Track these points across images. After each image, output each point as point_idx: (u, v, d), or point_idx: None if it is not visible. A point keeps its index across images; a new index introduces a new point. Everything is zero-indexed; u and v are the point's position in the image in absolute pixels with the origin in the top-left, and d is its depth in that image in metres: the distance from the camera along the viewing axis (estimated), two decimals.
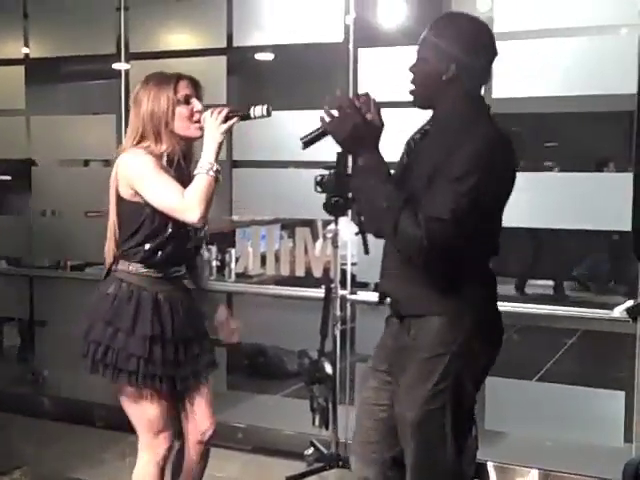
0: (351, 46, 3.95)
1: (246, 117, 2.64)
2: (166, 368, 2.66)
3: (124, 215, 2.67)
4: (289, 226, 4.47)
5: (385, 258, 2.41)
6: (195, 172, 2.58)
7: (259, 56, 4.75)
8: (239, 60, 4.49)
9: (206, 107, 2.67)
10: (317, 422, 3.68)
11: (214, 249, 4.93)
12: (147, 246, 2.65)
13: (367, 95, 2.33)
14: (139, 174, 2.60)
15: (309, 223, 4.44)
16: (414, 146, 2.38)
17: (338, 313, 3.78)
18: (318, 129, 2.36)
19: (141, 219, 2.63)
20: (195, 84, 2.71)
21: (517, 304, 3.98)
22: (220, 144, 2.60)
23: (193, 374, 2.79)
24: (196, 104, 2.67)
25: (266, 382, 5.20)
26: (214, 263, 4.89)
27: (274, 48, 4.38)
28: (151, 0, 4.59)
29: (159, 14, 4.55)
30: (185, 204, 2.54)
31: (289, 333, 4.32)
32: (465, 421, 2.34)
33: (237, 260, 4.62)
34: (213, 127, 2.59)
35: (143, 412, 2.70)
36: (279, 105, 4.44)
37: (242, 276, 4.66)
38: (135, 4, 4.53)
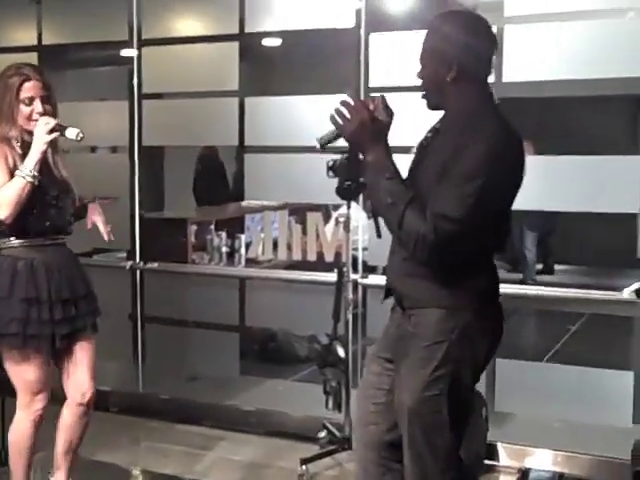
0: (362, 31, 3.96)
1: (62, 134, 2.88)
2: (44, 327, 2.90)
3: None
4: (300, 211, 4.49)
5: (391, 255, 2.47)
6: (15, 172, 2.83)
7: (271, 41, 4.75)
8: (251, 46, 4.51)
9: (48, 110, 2.91)
10: (330, 405, 3.72)
11: (224, 235, 4.97)
12: (16, 221, 2.86)
13: (377, 98, 2.37)
14: None
15: (319, 208, 4.45)
16: (425, 145, 2.43)
17: (350, 297, 3.80)
18: (333, 131, 2.41)
19: None
20: (44, 86, 2.93)
21: (525, 286, 4.01)
22: (43, 151, 2.84)
23: (72, 333, 3.00)
24: (37, 106, 2.90)
25: (278, 367, 5.24)
26: (224, 249, 4.93)
27: (286, 34, 4.37)
28: None
29: (171, 0, 4.57)
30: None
31: (301, 318, 4.36)
32: (462, 408, 2.38)
33: (247, 246, 4.66)
34: (39, 135, 2.83)
35: (24, 374, 2.94)
36: (290, 90, 4.49)
37: (252, 262, 4.70)
38: None
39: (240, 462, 3.96)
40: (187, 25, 4.60)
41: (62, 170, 3.04)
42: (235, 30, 4.30)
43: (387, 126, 2.35)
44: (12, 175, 2.85)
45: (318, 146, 2.47)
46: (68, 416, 3.10)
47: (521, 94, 4.24)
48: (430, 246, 2.18)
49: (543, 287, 4.01)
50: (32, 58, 4.79)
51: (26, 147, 2.91)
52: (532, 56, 3.65)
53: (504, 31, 3.62)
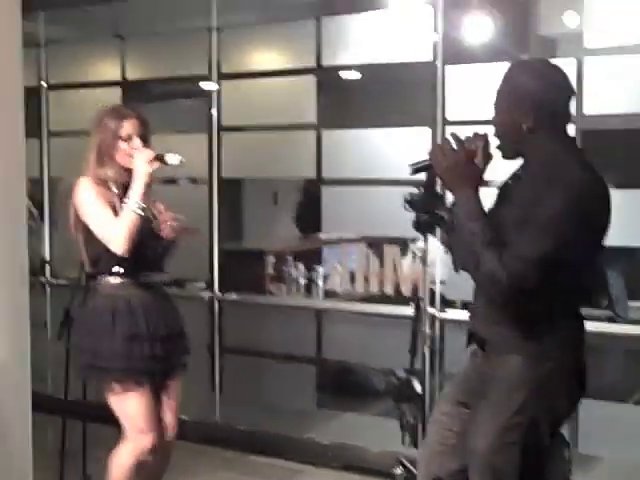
0: (439, 63, 3.94)
1: (163, 162, 2.96)
2: (145, 363, 2.97)
3: (85, 234, 3.01)
4: (378, 244, 4.47)
5: (474, 300, 2.46)
6: (122, 206, 2.91)
7: (348, 75, 4.78)
8: (328, 79, 4.54)
9: (146, 147, 2.99)
10: (406, 440, 3.66)
11: (301, 266, 4.98)
12: (111, 260, 2.96)
13: (482, 137, 2.34)
14: (82, 204, 2.97)
15: (396, 241, 4.42)
16: (506, 191, 2.41)
17: (427, 331, 3.75)
18: (427, 159, 2.40)
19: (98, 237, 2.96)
20: (142, 123, 3.04)
21: (612, 324, 3.88)
22: (146, 183, 2.90)
23: (168, 370, 3.08)
24: (135, 143, 2.98)
25: (355, 400, 5.20)
26: (301, 281, 4.93)
27: (363, 67, 4.41)
28: (242, 21, 4.69)
29: (249, 35, 4.64)
30: (110, 236, 2.90)
31: (378, 351, 4.33)
32: (537, 457, 2.33)
33: (325, 278, 4.65)
34: (140, 167, 2.91)
35: (128, 408, 2.99)
36: (367, 123, 4.49)
37: (330, 294, 4.70)
38: (226, 25, 4.64)
39: None
40: (265, 59, 4.67)
41: (153, 209, 3.08)
42: (312, 64, 4.35)
43: (481, 172, 2.32)
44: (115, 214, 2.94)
45: (410, 171, 2.48)
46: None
47: (604, 126, 4.14)
48: (503, 288, 2.16)
49: (631, 325, 3.86)
50: (116, 92, 4.95)
51: (123, 189, 2.98)
52: (612, 88, 3.56)
53: (584, 63, 3.55)
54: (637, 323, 3.86)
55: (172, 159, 2.94)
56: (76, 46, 5.31)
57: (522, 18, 4.16)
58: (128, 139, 2.98)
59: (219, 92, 4.67)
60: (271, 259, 5.04)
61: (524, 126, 2.26)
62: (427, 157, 2.39)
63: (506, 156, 2.37)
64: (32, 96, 5.20)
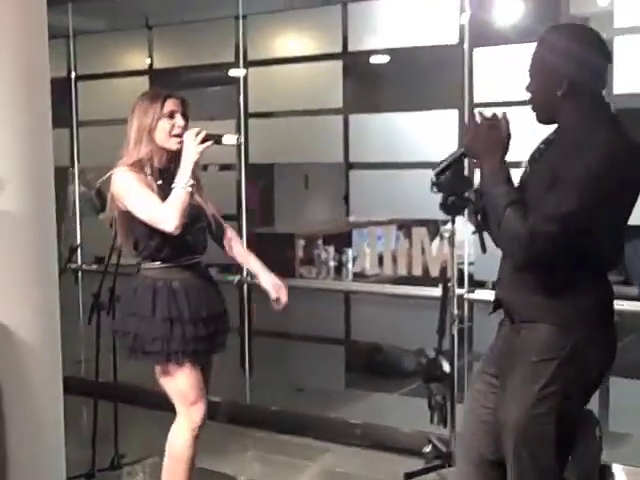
0: (466, 46, 3.96)
1: (218, 142, 2.92)
2: (187, 344, 2.98)
3: (126, 224, 3.02)
4: (405, 226, 4.50)
5: (501, 267, 2.44)
6: (172, 186, 2.88)
7: (374, 59, 4.80)
8: (354, 64, 4.56)
9: (187, 126, 2.96)
10: (435, 420, 3.71)
11: (331, 250, 5.03)
12: (150, 248, 2.99)
13: (500, 116, 2.35)
14: (123, 192, 2.95)
15: (426, 223, 4.45)
16: (538, 156, 2.40)
17: (455, 312, 3.78)
18: (445, 160, 2.48)
19: (138, 225, 2.97)
20: (183, 103, 3.02)
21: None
22: (196, 162, 2.89)
23: (210, 349, 3.10)
24: (178, 120, 2.97)
25: (384, 380, 5.24)
26: (331, 263, 4.98)
27: (389, 51, 4.43)
28: (268, 8, 4.72)
29: (276, 22, 4.68)
30: (161, 215, 2.88)
31: (406, 332, 4.37)
32: (570, 429, 2.32)
33: (354, 260, 4.69)
34: (191, 146, 2.87)
35: (176, 385, 3.02)
36: (394, 107, 4.51)
37: (359, 276, 4.74)
38: (252, 12, 4.67)
39: (344, 475, 4.00)
40: (292, 45, 4.70)
41: (195, 194, 3.03)
42: (339, 49, 4.37)
43: (505, 139, 2.32)
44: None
45: (434, 179, 2.58)
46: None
47: (635, 105, 4.13)
48: (526, 248, 2.14)
49: None
50: (144, 82, 5.00)
51: (159, 173, 2.98)
52: None
53: (614, 42, 3.55)
54: None
55: (229, 139, 2.91)
56: (104, 36, 5.38)
57: None
58: (171, 116, 2.96)
59: (246, 79, 4.71)
60: (301, 242, 5.10)
61: (558, 92, 2.25)
62: (444, 158, 2.43)
63: (540, 120, 2.36)
64: (62, 86, 5.29)
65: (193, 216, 3.01)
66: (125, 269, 4.06)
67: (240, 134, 2.95)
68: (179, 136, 2.95)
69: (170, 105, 2.97)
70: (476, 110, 2.42)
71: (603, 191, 2.14)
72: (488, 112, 2.36)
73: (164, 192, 2.92)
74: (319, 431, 4.42)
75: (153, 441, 4.33)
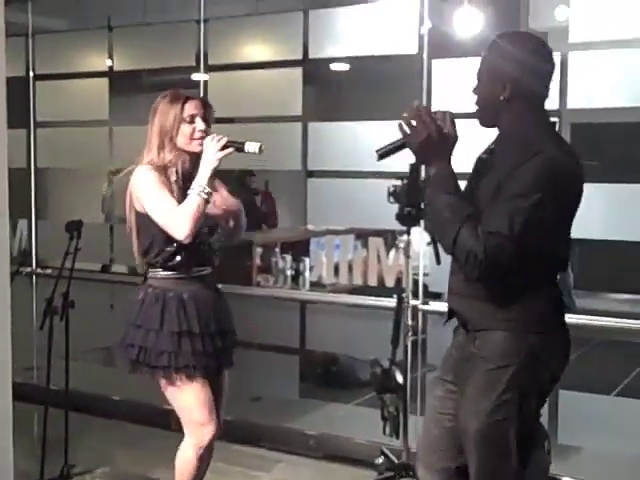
0: (425, 56, 3.96)
1: (240, 150, 2.84)
2: (197, 358, 2.88)
3: (141, 225, 2.92)
4: (363, 236, 4.50)
5: (452, 276, 2.44)
6: (188, 192, 2.79)
7: (334, 67, 4.80)
8: (315, 71, 4.56)
9: (207, 130, 2.88)
10: (388, 431, 3.69)
11: (289, 258, 5.00)
12: (165, 252, 2.88)
13: (445, 112, 2.36)
14: (142, 190, 2.85)
15: (383, 233, 4.45)
16: (481, 166, 2.41)
17: (410, 323, 3.78)
18: (394, 142, 2.40)
19: (155, 228, 2.86)
20: (204, 105, 2.94)
21: (594, 317, 3.90)
22: (214, 168, 2.80)
23: (219, 365, 3.00)
24: (199, 124, 2.88)
25: (338, 390, 5.23)
26: (288, 272, 4.96)
27: (349, 60, 4.43)
28: (230, 13, 4.70)
29: (237, 27, 4.65)
30: (174, 223, 2.78)
31: (361, 342, 4.36)
32: (528, 434, 2.33)
33: (311, 269, 4.68)
34: (211, 152, 2.79)
35: (183, 403, 2.93)
36: (354, 116, 4.52)
37: (316, 285, 4.72)
38: (214, 17, 4.64)
39: None
40: (253, 51, 4.68)
41: (214, 203, 2.94)
42: (299, 56, 4.35)
43: (453, 141, 2.33)
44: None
45: (377, 157, 2.45)
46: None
47: (589, 120, 4.18)
48: (480, 263, 2.15)
49: (608, 318, 3.89)
50: (103, 83, 4.95)
51: (182, 176, 2.88)
52: (597, 83, 3.59)
53: (569, 57, 3.58)
54: (616, 316, 3.88)
55: (252, 147, 2.81)
56: (64, 36, 5.32)
57: (511, 11, 4.18)
58: (191, 121, 2.87)
59: (207, 83, 4.68)
60: (259, 250, 5.07)
61: (501, 97, 2.28)
62: (394, 140, 2.38)
63: (482, 123, 2.40)
64: (20, 86, 5.21)
65: (211, 226, 2.93)
66: (80, 274, 4.02)
67: (262, 142, 2.85)
68: (201, 139, 2.87)
69: (190, 108, 2.88)
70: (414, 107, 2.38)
71: (547, 199, 2.15)
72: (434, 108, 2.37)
73: (184, 198, 2.81)
74: (273, 441, 4.39)
75: (104, 451, 4.31)
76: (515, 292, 2.25)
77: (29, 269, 5.29)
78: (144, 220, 2.88)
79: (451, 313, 2.48)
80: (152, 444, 4.29)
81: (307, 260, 4.88)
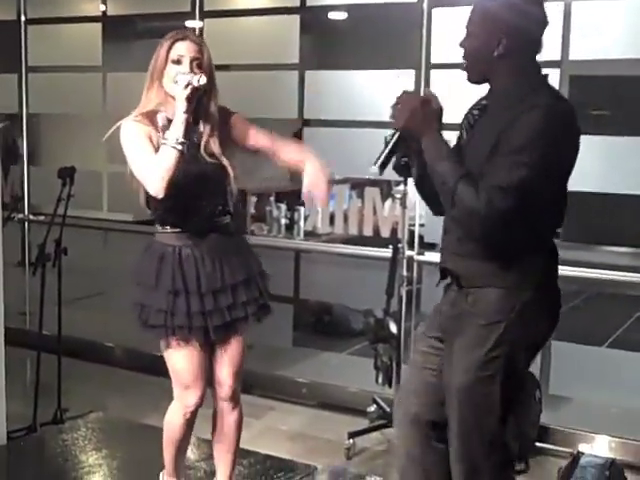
0: (425, 5, 3.90)
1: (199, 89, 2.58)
2: (193, 319, 2.71)
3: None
4: (359, 186, 4.47)
5: (445, 235, 2.43)
6: (161, 142, 2.60)
7: (332, 15, 4.73)
8: (312, 19, 4.49)
9: (196, 72, 2.61)
10: (380, 380, 3.73)
11: (283, 207, 4.98)
12: (161, 206, 2.71)
13: (428, 90, 2.40)
14: (124, 143, 2.68)
15: (378, 183, 4.43)
16: (473, 122, 2.36)
17: (405, 273, 3.79)
18: (386, 144, 2.37)
19: None
20: (198, 48, 2.69)
21: (589, 270, 3.92)
22: (185, 113, 2.55)
23: (226, 326, 2.78)
24: (183, 67, 2.64)
25: (331, 339, 5.26)
26: (283, 221, 4.94)
27: (348, 7, 4.36)
28: None
29: None
30: (147, 178, 2.60)
31: (355, 292, 4.37)
32: (514, 391, 2.35)
33: (306, 219, 4.67)
34: (179, 98, 2.57)
35: (173, 364, 2.81)
36: (351, 65, 4.46)
37: (310, 234, 4.71)
38: None
39: (288, 432, 4.01)
40: None
41: (214, 146, 2.73)
42: (296, 3, 4.28)
43: (439, 111, 2.30)
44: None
45: (377, 170, 2.41)
46: (217, 409, 2.98)
47: (589, 72, 4.14)
48: (483, 221, 2.13)
49: (604, 270, 3.90)
50: (96, 29, 4.88)
51: (168, 123, 2.66)
52: (600, 33, 3.55)
53: (571, 7, 3.53)
54: (612, 268, 3.90)
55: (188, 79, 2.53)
56: None
57: None
58: (178, 62, 2.65)
59: (202, 30, 4.61)
60: (253, 199, 5.04)
61: (495, 52, 2.22)
62: (384, 147, 2.36)
63: (471, 80, 2.33)
64: (11, 30, 5.13)
65: (205, 176, 2.72)
66: (73, 220, 4.00)
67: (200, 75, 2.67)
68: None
69: (179, 49, 2.65)
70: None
71: (549, 154, 2.12)
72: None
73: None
74: (265, 388, 4.42)
75: (96, 396, 4.34)
76: (512, 251, 2.24)
77: (21, 215, 5.26)
78: None
79: (444, 273, 2.46)
80: (145, 390, 4.31)
81: (302, 209, 4.86)
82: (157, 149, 2.62)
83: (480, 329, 2.27)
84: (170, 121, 2.63)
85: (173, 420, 2.93)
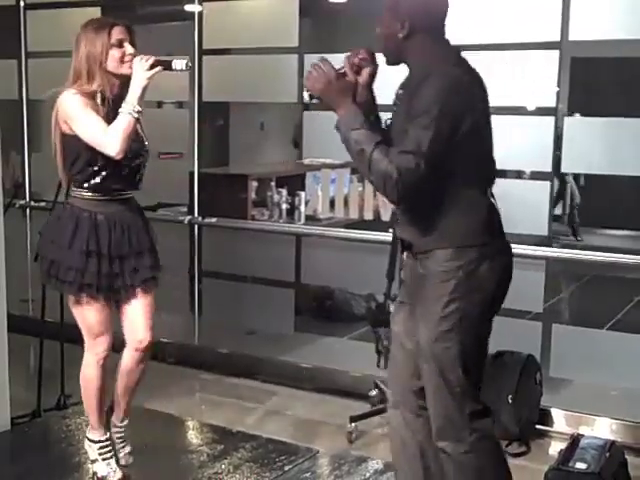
0: None
1: (168, 68, 2.90)
2: (101, 279, 3.01)
3: (66, 147, 3.00)
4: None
5: (396, 208, 2.58)
6: (119, 110, 2.88)
7: None
8: (312, 2, 4.47)
9: (136, 53, 2.93)
10: (382, 364, 3.73)
11: (284, 192, 4.98)
12: (86, 173, 2.97)
13: (347, 56, 2.50)
14: (71, 112, 2.93)
15: None
16: (397, 101, 2.52)
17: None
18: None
19: (79, 150, 2.96)
20: (129, 30, 2.99)
21: (589, 252, 3.91)
22: (145, 88, 2.88)
23: (130, 286, 3.09)
24: (128, 48, 2.95)
25: (333, 324, 5.27)
26: (284, 206, 4.95)
27: None
28: None
29: None
30: (106, 140, 2.87)
31: (356, 276, 4.37)
32: (476, 343, 2.45)
33: (307, 203, 4.66)
34: (140, 72, 2.87)
35: (84, 317, 3.08)
36: (350, 47, 4.42)
37: (311, 219, 4.71)
38: None
39: (290, 417, 4.02)
40: None
41: (138, 128, 3.04)
42: None
43: (353, 84, 2.45)
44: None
45: (307, 97, 2.54)
46: (126, 361, 3.19)
47: (589, 54, 4.12)
48: (397, 184, 2.26)
49: (601, 253, 3.89)
50: (95, 13, 4.84)
51: (108, 104, 2.95)
52: (600, 14, 3.53)
53: None
54: (613, 251, 3.89)
55: (179, 64, 2.89)
56: None
57: None
58: (119, 45, 2.94)
59: (201, 14, 4.59)
60: (254, 184, 5.04)
61: (400, 34, 2.40)
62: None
63: (389, 62, 2.51)
64: (10, 15, 5.12)
65: (135, 150, 3.00)
66: None
67: (189, 59, 2.89)
68: (131, 61, 2.93)
69: (117, 33, 2.95)
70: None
71: (444, 116, 2.27)
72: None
73: (113, 120, 2.90)
74: (267, 374, 4.43)
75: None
76: (448, 211, 2.38)
77: (23, 202, 5.27)
78: (70, 141, 2.97)
79: (402, 243, 2.59)
80: (147, 374, 4.32)
81: (302, 194, 4.86)
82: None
83: (434, 289, 2.41)
84: (114, 98, 2.94)
85: (88, 371, 3.16)
